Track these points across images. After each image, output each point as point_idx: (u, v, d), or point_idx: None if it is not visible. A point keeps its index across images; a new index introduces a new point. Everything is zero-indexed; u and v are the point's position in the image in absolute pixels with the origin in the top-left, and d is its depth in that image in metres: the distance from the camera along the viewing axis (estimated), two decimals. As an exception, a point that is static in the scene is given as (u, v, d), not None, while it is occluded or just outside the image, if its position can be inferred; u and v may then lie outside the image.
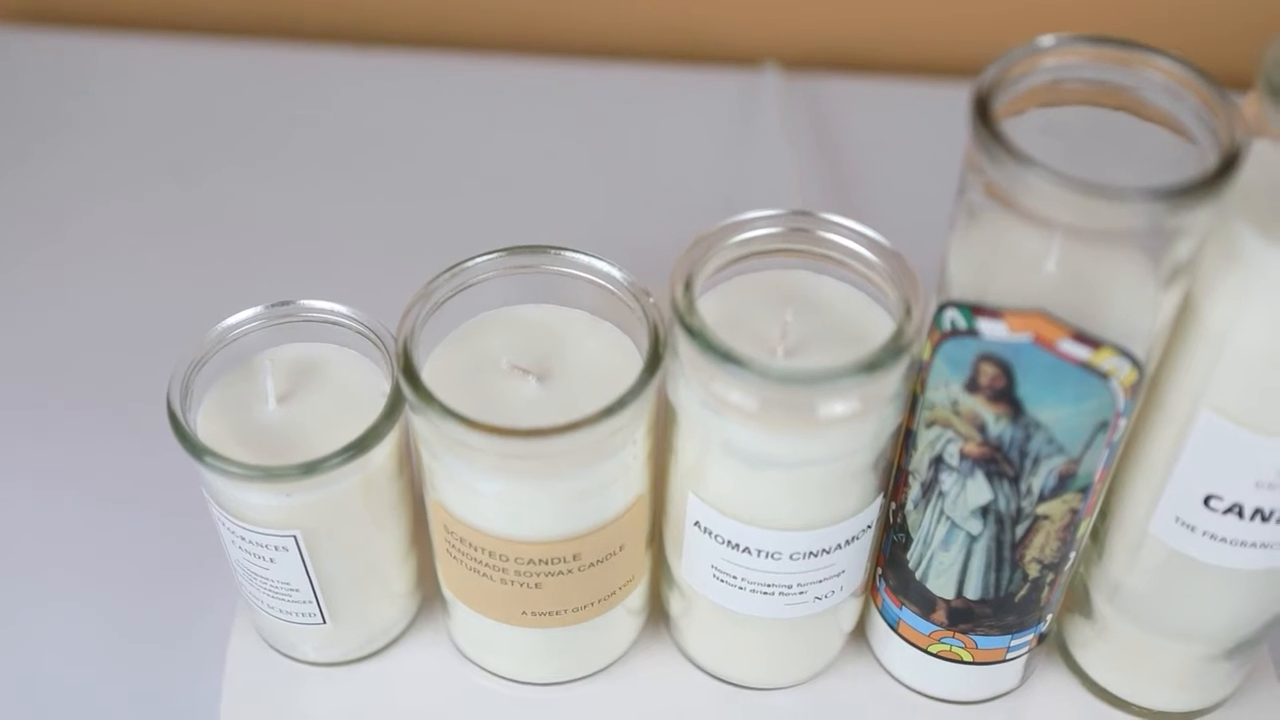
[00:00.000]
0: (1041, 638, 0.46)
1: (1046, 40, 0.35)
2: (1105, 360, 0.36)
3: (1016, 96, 0.35)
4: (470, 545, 0.42)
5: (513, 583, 0.43)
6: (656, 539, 0.46)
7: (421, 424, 0.40)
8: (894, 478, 0.43)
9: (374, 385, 0.43)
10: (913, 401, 0.40)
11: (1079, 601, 0.47)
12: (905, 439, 0.42)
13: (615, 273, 0.42)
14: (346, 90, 0.75)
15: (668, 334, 0.40)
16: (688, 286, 0.39)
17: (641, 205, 0.68)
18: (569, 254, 0.42)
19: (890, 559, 0.45)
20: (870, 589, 0.47)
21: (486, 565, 0.42)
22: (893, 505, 0.44)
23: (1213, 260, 0.36)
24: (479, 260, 0.42)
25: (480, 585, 0.43)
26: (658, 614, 0.49)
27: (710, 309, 0.40)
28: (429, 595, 0.49)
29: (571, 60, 0.77)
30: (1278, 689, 0.48)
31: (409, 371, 0.40)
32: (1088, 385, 0.36)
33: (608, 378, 0.41)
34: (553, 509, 0.41)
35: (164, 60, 0.76)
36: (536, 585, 0.43)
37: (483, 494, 0.40)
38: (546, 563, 0.42)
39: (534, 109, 0.74)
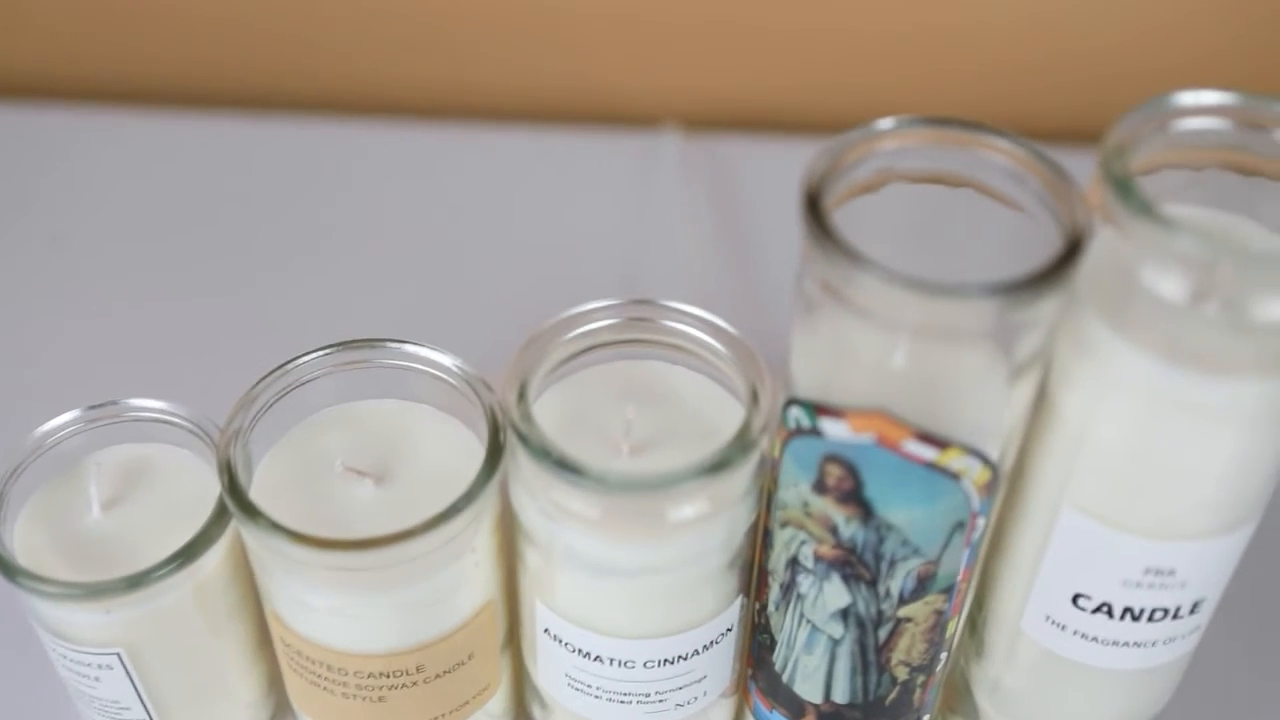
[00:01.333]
0: (921, 737, 0.44)
1: (884, 123, 0.34)
2: (954, 460, 0.34)
3: (852, 187, 0.34)
4: (308, 659, 0.40)
5: (355, 696, 0.40)
6: (515, 642, 0.44)
7: (247, 536, 0.38)
8: (756, 576, 0.41)
9: (207, 487, 0.41)
10: (768, 498, 0.38)
11: (960, 698, 0.45)
12: (764, 537, 0.39)
13: (451, 364, 0.40)
14: (183, 157, 0.72)
15: (507, 434, 0.38)
16: (521, 394, 0.37)
17: (535, 276, 0.66)
18: (403, 347, 0.40)
19: (758, 660, 0.43)
20: (743, 689, 0.45)
21: (326, 679, 0.40)
22: (756, 605, 0.41)
23: (1066, 351, 0.34)
24: (307, 359, 0.40)
25: (323, 699, 0.41)
26: (523, 718, 0.47)
27: (551, 407, 0.38)
28: (283, 700, 0.47)
29: (450, 123, 0.75)
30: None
31: (232, 484, 0.37)
32: (938, 486, 0.34)
33: (451, 478, 0.39)
34: (390, 620, 0.38)
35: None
36: (380, 699, 0.40)
37: (315, 607, 0.38)
38: (388, 675, 0.39)
39: (417, 177, 0.72)
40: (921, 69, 0.73)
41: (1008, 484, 0.38)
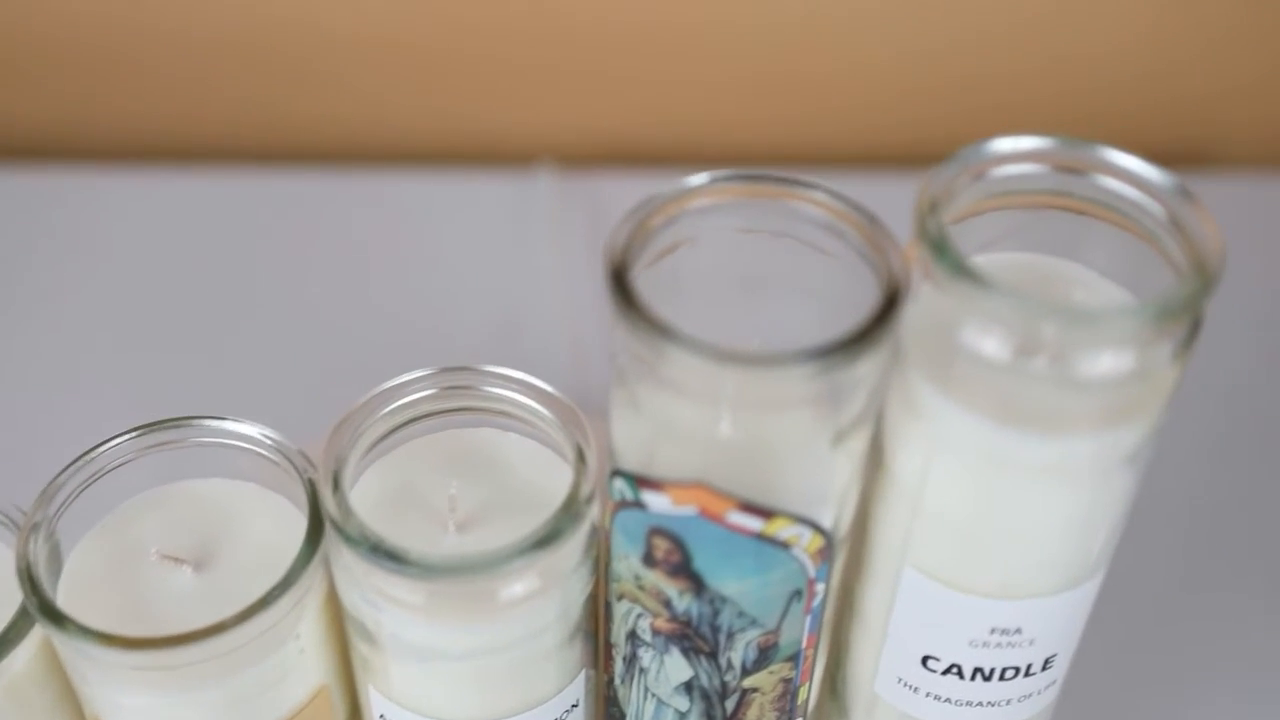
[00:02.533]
0: (787, 803, 0.42)
1: (693, 181, 0.32)
2: (782, 530, 0.32)
3: (663, 249, 0.32)
4: (128, 759, 0.37)
5: (182, 798, 0.38)
6: (358, 724, 0.42)
7: (57, 638, 0.36)
8: (602, 648, 0.39)
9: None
10: (606, 567, 0.37)
11: (828, 757, 0.43)
12: (605, 608, 0.38)
13: (267, 438, 0.38)
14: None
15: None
16: (336, 482, 0.35)
17: (402, 330, 0.64)
18: (216, 423, 0.38)
19: (611, 733, 0.41)
20: (601, 761, 0.43)
21: (149, 780, 0.38)
22: (605, 677, 0.40)
23: (896, 412, 0.33)
24: (113, 445, 0.38)
25: (151, 799, 0.39)
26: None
27: (373, 485, 0.37)
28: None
29: (308, 169, 0.73)
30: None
31: (32, 586, 0.35)
32: (769, 556, 0.33)
33: (277, 560, 0.37)
34: (215, 716, 0.36)
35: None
36: (209, 799, 0.38)
37: (127, 707, 0.36)
38: (215, 774, 0.37)
39: (266, 226, 0.69)
40: (795, 107, 0.72)
41: (851, 545, 0.36)
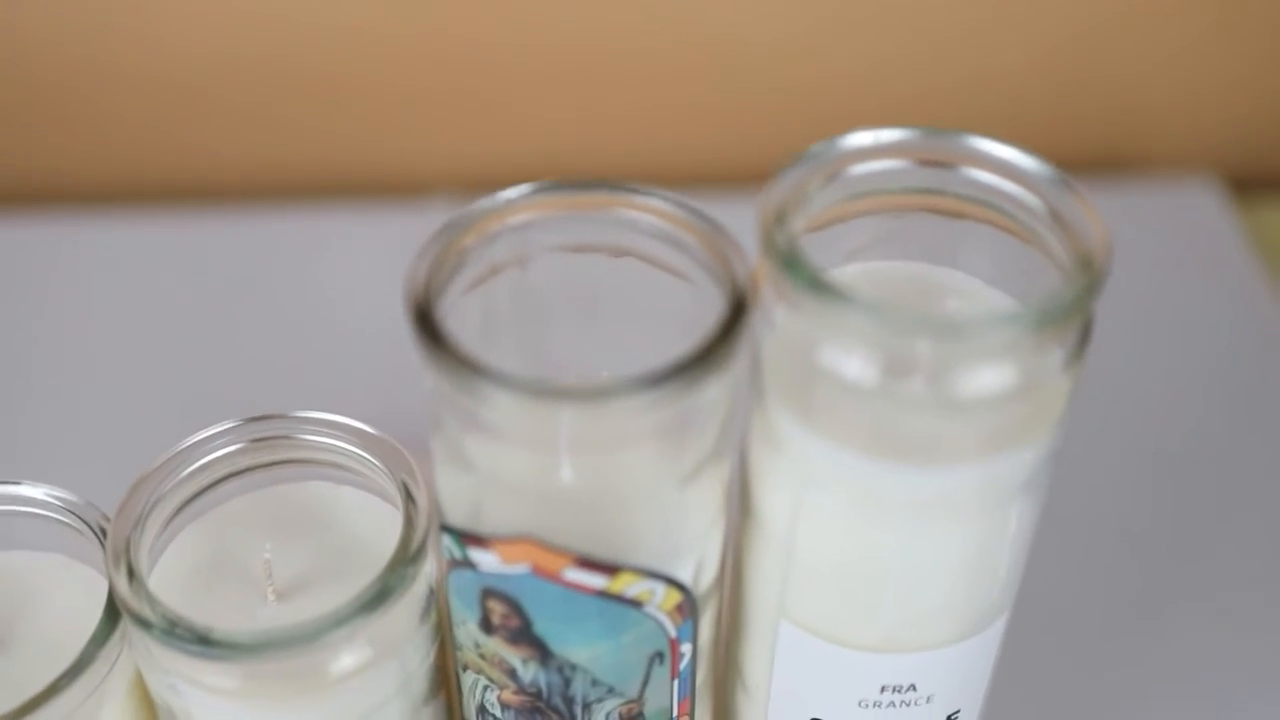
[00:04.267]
0: None
1: (509, 194, 0.28)
2: (629, 586, 0.28)
3: (481, 273, 0.28)
4: None
5: None
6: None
7: None
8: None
9: None
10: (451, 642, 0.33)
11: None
12: (456, 679, 0.34)
13: (61, 501, 0.33)
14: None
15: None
16: (127, 557, 0.31)
17: (285, 371, 0.60)
18: (10, 488, 0.34)
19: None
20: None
21: None
22: (465, 753, 0.35)
23: (759, 451, 0.29)
24: None
25: None
26: None
27: (182, 555, 0.32)
28: None
29: (197, 204, 0.69)
30: None
31: None
32: (618, 617, 0.29)
33: (83, 640, 0.33)
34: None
35: None
36: None
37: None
38: None
39: (141, 267, 0.65)
40: (693, 132, 0.69)
41: (727, 597, 0.32)
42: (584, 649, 0.29)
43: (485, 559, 0.28)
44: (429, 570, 0.32)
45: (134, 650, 0.32)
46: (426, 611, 0.32)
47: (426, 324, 0.26)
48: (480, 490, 0.28)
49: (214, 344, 0.60)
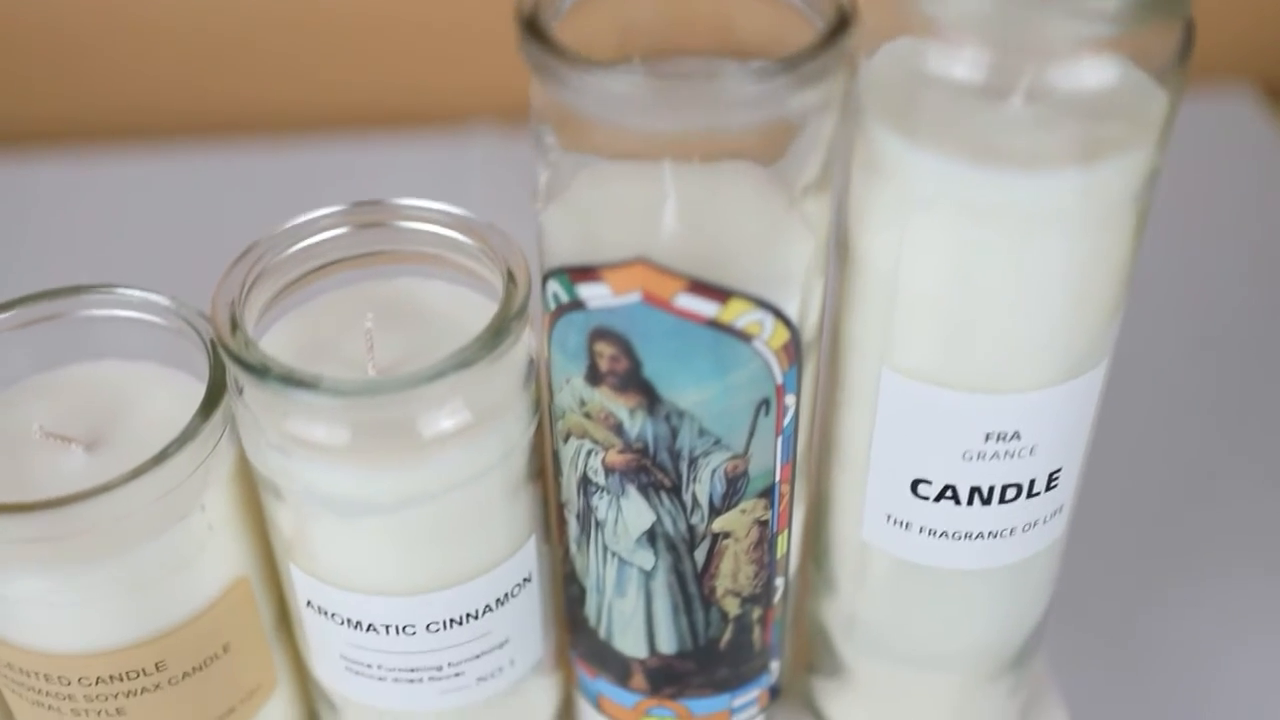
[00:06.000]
0: (774, 693, 0.38)
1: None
2: (740, 316, 0.28)
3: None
4: (22, 671, 0.33)
5: (86, 712, 0.33)
6: (287, 633, 0.37)
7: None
8: (555, 515, 0.35)
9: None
10: (550, 417, 0.33)
11: (819, 649, 0.39)
12: (554, 463, 0.34)
13: (160, 301, 0.34)
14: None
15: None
16: (234, 322, 0.31)
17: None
18: (100, 294, 0.34)
19: (572, 619, 0.37)
20: (564, 663, 0.39)
21: (48, 694, 0.33)
22: (560, 550, 0.35)
23: (861, 186, 0.29)
24: None
25: (53, 721, 0.34)
26: (322, 732, 0.40)
27: (280, 341, 0.33)
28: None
29: (244, 139, 0.69)
30: (1062, 715, 0.41)
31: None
32: (728, 352, 0.29)
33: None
34: (112, 604, 0.32)
35: None
36: (118, 711, 0.33)
37: (11, 598, 0.31)
38: (121, 679, 0.33)
39: (213, 197, 0.66)
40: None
41: (825, 362, 0.33)
42: (692, 391, 0.29)
43: (595, 293, 0.28)
44: (529, 340, 0.32)
45: (241, 426, 0.32)
46: (527, 381, 0.32)
47: (534, 31, 0.26)
48: (588, 226, 0.29)
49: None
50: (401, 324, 0.33)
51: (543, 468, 0.34)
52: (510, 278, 0.31)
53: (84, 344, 0.35)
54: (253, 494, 0.34)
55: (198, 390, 0.33)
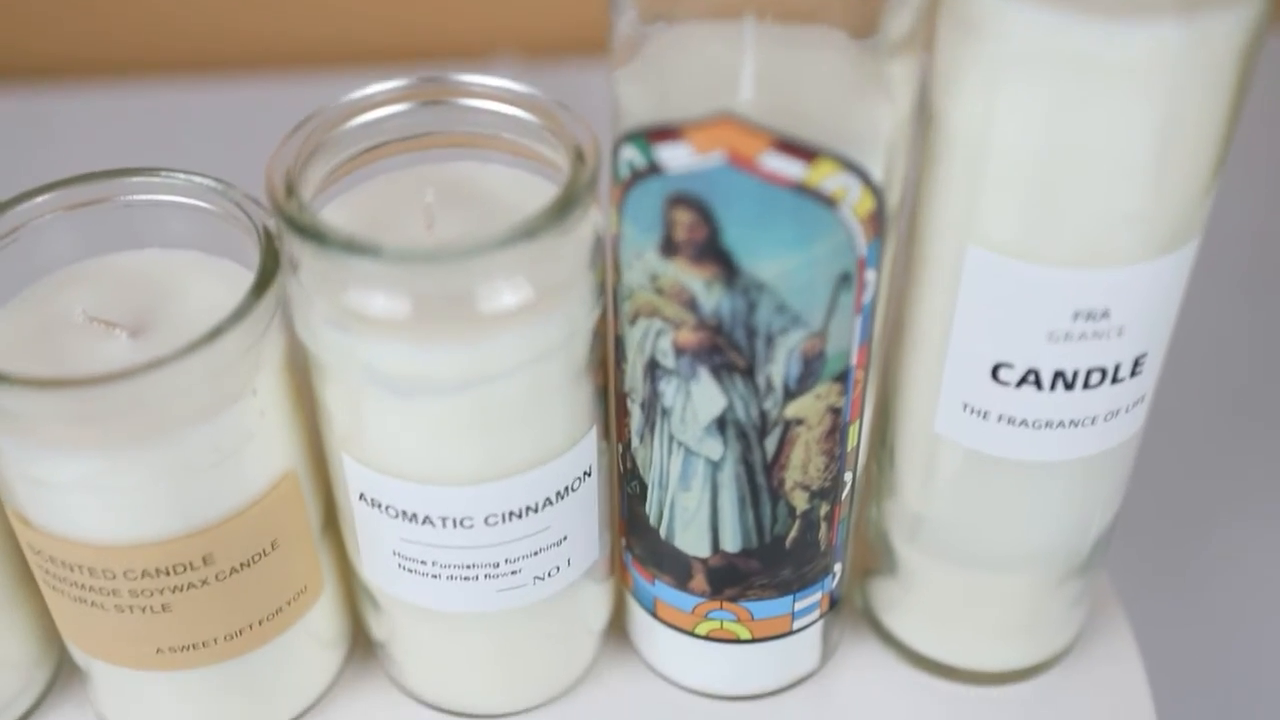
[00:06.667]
0: (835, 602, 0.37)
1: None
2: (827, 178, 0.27)
3: None
4: (63, 564, 0.32)
5: (131, 608, 0.32)
6: (334, 535, 0.36)
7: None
8: (615, 410, 0.34)
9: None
10: (615, 299, 0.31)
11: (879, 555, 0.38)
12: (616, 352, 0.32)
13: (212, 185, 0.32)
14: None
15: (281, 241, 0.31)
16: (290, 188, 0.29)
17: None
18: (144, 178, 0.33)
19: (630, 520, 0.35)
20: (619, 569, 0.38)
21: (91, 589, 0.32)
22: (620, 447, 0.34)
23: (951, 48, 0.28)
24: (30, 203, 0.32)
25: (94, 621, 0.33)
26: (365, 645, 0.39)
27: (335, 219, 0.31)
28: (65, 661, 0.38)
29: (266, 74, 0.68)
30: (1125, 632, 0.40)
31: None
32: (812, 218, 0.27)
33: (225, 325, 0.32)
34: (156, 491, 0.30)
35: None
36: (163, 607, 0.32)
37: (58, 484, 0.30)
38: (167, 572, 0.32)
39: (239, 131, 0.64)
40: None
41: (903, 241, 0.31)
42: (773, 262, 0.28)
43: (675, 155, 0.27)
44: (597, 219, 0.31)
45: (294, 305, 0.30)
46: (593, 261, 0.31)
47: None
48: (669, 89, 0.27)
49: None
50: (461, 205, 0.32)
51: (604, 359, 0.33)
52: (578, 155, 0.30)
53: (129, 231, 0.34)
54: (302, 388, 0.32)
55: (245, 279, 0.32)
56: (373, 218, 0.32)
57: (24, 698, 0.37)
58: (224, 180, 0.33)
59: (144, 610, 0.32)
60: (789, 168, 0.27)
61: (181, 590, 0.32)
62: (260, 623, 0.34)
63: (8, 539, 0.35)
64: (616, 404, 0.33)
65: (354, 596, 0.37)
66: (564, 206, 0.29)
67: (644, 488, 0.34)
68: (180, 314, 0.32)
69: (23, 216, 0.32)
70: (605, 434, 0.34)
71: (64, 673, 0.38)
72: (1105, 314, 0.30)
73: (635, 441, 0.33)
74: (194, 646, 0.33)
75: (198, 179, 0.33)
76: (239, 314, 0.30)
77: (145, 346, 0.32)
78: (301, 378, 0.32)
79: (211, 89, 0.67)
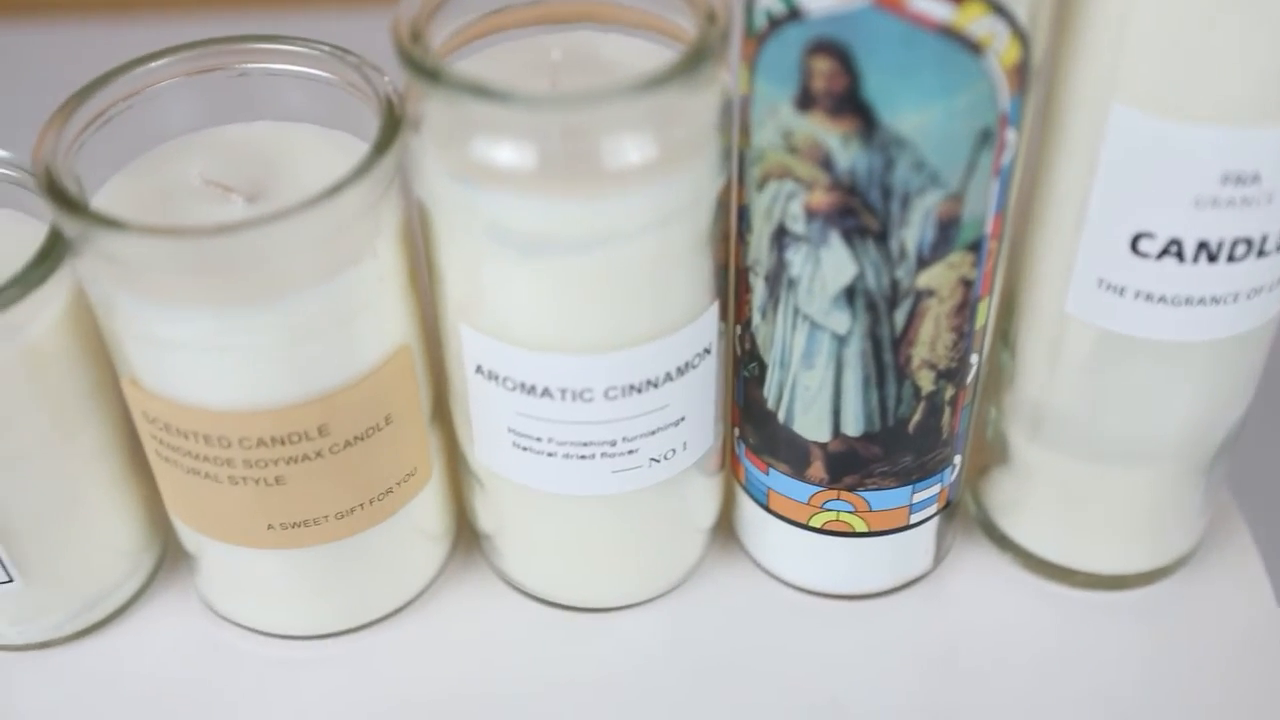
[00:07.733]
0: (950, 501, 0.36)
1: None
2: (975, 20, 0.26)
3: None
4: (177, 432, 0.31)
5: (245, 480, 0.32)
6: (444, 421, 0.35)
7: (82, 264, 0.30)
8: (735, 292, 0.33)
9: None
10: (741, 176, 0.31)
11: (997, 455, 0.37)
12: (740, 229, 0.32)
13: (333, 51, 0.32)
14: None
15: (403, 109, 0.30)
16: (416, 34, 0.29)
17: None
18: (263, 45, 0.32)
19: (745, 407, 0.35)
20: (731, 463, 0.37)
21: (205, 459, 0.31)
22: (737, 330, 0.33)
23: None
24: (150, 66, 0.32)
25: (206, 494, 0.32)
26: (469, 541, 0.38)
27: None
28: (173, 543, 0.38)
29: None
30: (1247, 540, 0.38)
31: (54, 190, 0.29)
32: (957, 66, 0.27)
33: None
34: (274, 354, 0.30)
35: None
36: (277, 480, 0.32)
37: (175, 343, 0.30)
38: (283, 442, 0.31)
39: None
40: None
41: (1040, 98, 0.30)
42: (914, 114, 0.27)
43: (817, -3, 0.26)
44: (725, 80, 0.30)
45: (416, 166, 0.30)
46: (720, 124, 0.30)
47: None
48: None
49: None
50: (585, 70, 0.31)
51: (726, 233, 0.32)
52: (710, 15, 0.29)
53: (246, 102, 0.33)
54: (418, 262, 0.32)
55: (362, 149, 0.32)
56: (495, 75, 0.31)
57: (130, 583, 0.37)
58: (346, 49, 0.32)
59: (258, 482, 0.32)
60: (937, 8, 0.26)
61: (296, 461, 0.32)
62: (371, 502, 0.33)
63: (118, 424, 0.34)
64: (737, 281, 0.33)
65: (460, 490, 0.37)
66: (694, 61, 0.28)
67: (763, 369, 0.33)
68: (297, 182, 0.32)
69: (140, 80, 0.32)
70: (724, 314, 0.33)
71: (169, 560, 0.38)
72: (1256, 178, 0.29)
73: (757, 319, 0.32)
74: (306, 524, 0.33)
75: (318, 45, 0.32)
76: (361, 170, 0.29)
77: (263, 211, 0.31)
78: (417, 253, 0.32)
79: (209, 24, 0.66)
